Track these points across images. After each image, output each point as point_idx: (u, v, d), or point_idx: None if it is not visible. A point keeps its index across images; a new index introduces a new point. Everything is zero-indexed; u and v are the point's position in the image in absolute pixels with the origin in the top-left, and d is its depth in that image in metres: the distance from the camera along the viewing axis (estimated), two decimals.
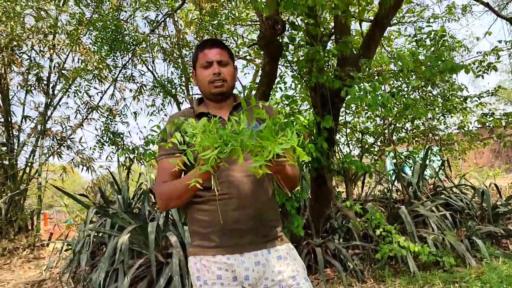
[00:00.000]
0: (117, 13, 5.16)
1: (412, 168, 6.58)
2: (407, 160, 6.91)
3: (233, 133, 1.26)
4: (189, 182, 1.34)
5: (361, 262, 4.44)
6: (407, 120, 6.50)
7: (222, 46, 1.75)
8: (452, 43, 6.18)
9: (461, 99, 6.37)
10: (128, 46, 5.19)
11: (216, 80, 1.68)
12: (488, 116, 6.57)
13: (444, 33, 5.60)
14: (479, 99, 6.53)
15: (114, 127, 6.20)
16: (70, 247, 5.67)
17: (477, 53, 5.59)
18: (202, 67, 1.70)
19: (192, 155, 1.30)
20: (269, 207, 1.65)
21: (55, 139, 8.21)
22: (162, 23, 5.96)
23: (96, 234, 5.21)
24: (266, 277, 1.58)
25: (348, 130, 6.36)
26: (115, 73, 5.82)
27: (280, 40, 3.99)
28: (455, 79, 6.80)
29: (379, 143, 6.45)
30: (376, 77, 4.47)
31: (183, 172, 1.63)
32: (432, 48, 5.46)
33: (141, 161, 6.81)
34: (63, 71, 7.99)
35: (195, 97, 5.05)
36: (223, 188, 1.54)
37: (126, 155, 6.13)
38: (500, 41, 5.59)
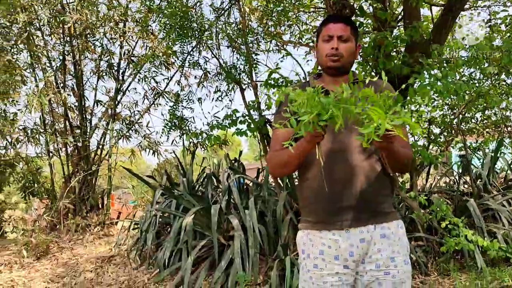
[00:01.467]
0: (185, 0, 5.26)
1: (481, 161, 6.29)
2: (476, 152, 6.61)
3: (336, 101, 1.24)
4: (285, 144, 1.38)
5: (425, 255, 4.32)
6: (477, 110, 6.20)
7: (348, 22, 1.75)
8: None
9: None
10: (195, 33, 5.29)
11: (334, 55, 1.69)
12: None
13: None
14: None
15: (181, 112, 6.38)
16: (137, 226, 5.95)
17: None
18: (323, 40, 1.73)
19: (295, 123, 1.32)
20: (376, 184, 1.62)
21: (124, 123, 8.58)
22: (227, 10, 6.03)
23: (161, 214, 5.42)
24: (367, 253, 1.59)
25: (414, 120, 6.16)
26: (181, 59, 5.96)
27: None
28: None
29: (445, 134, 6.20)
30: (448, 64, 4.29)
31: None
32: (508, 34, 5.16)
33: (204, 146, 6.99)
34: (132, 58, 8.32)
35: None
36: (326, 167, 1.55)
37: (191, 140, 6.31)
38: None
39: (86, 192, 7.89)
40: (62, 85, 8.01)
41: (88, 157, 8.15)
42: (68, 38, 7.86)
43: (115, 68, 8.36)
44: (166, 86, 8.36)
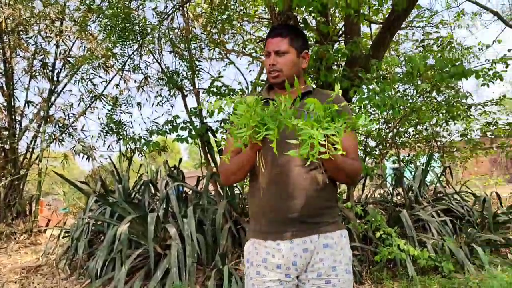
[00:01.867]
0: (127, 2, 5.11)
1: (413, 173, 6.58)
2: (409, 165, 6.91)
3: (272, 113, 1.25)
4: (224, 157, 1.50)
5: (360, 264, 4.43)
6: (410, 125, 6.50)
7: (285, 34, 1.74)
8: (460, 50, 6.16)
9: (466, 106, 6.37)
10: (137, 36, 5.15)
11: (271, 71, 1.72)
12: (491, 125, 6.58)
13: (451, 40, 5.59)
14: (484, 107, 6.53)
15: (118, 116, 6.17)
16: (68, 234, 5.66)
17: (485, 60, 5.58)
18: (265, 56, 1.77)
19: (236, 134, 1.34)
20: (321, 195, 1.63)
21: (57, 126, 8.18)
22: (171, 15, 5.94)
23: (95, 222, 5.20)
24: (310, 262, 1.61)
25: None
26: (121, 62, 5.79)
27: None
28: (460, 86, 6.80)
29: (381, 147, 6.44)
30: (384, 79, 4.46)
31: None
32: (439, 54, 5.46)
33: (142, 152, 6.79)
34: (68, 58, 7.97)
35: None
36: (275, 177, 1.61)
37: (128, 145, 6.11)
38: (509, 50, 5.58)
39: (13, 197, 7.43)
40: None
41: (16, 161, 7.69)
42: None
43: (50, 68, 7.98)
44: (104, 89, 8.06)
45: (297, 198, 1.60)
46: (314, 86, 1.93)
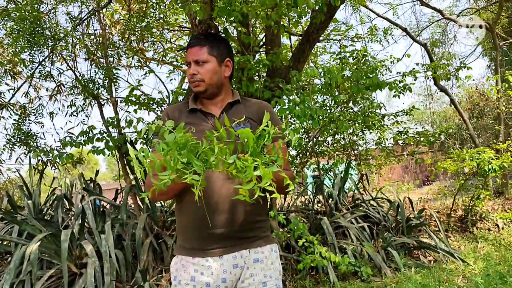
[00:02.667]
0: (37, 4, 4.77)
1: (332, 181, 6.79)
2: (328, 173, 7.13)
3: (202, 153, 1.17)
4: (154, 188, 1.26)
5: (284, 273, 4.46)
6: (329, 134, 6.71)
7: (204, 43, 1.68)
8: (373, 63, 6.49)
9: (379, 116, 6.71)
10: (48, 41, 4.83)
11: (193, 81, 1.68)
12: (402, 134, 6.99)
13: (365, 53, 5.86)
14: (395, 117, 6.92)
15: (28, 127, 5.74)
16: None
17: (397, 73, 5.93)
18: (187, 66, 1.72)
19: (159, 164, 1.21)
20: (251, 210, 1.59)
21: None
22: (86, 20, 5.66)
23: (0, 242, 4.77)
24: (240, 278, 1.58)
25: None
26: (31, 68, 5.39)
27: None
28: (374, 97, 7.17)
29: (301, 155, 6.59)
30: (304, 90, 4.56)
31: None
32: (355, 67, 5.70)
33: (55, 164, 6.38)
34: None
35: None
36: (204, 192, 1.52)
37: (39, 157, 5.70)
38: (417, 64, 5.97)
39: None
40: None
41: None
42: None
43: None
44: (12, 97, 7.48)
45: (226, 213, 1.56)
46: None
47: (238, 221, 1.57)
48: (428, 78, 9.52)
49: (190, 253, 1.59)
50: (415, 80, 5.48)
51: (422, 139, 6.77)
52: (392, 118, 6.92)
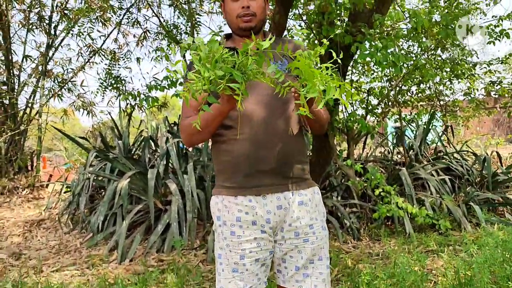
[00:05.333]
0: None
1: (414, 132, 6.55)
2: (410, 124, 6.87)
3: (242, 63, 1.12)
4: (193, 123, 1.26)
5: (358, 221, 4.48)
6: (413, 83, 6.40)
7: None
8: (467, 6, 5.98)
9: (470, 65, 6.25)
10: None
11: (245, 15, 1.55)
12: (495, 85, 6.48)
13: None
14: (489, 66, 6.42)
15: (117, 71, 6.08)
16: (69, 189, 5.71)
17: (492, 17, 5.41)
18: (232, 0, 1.58)
19: (194, 88, 1.18)
20: (295, 148, 1.56)
21: (56, 81, 8.09)
22: None
23: (95, 177, 5.23)
24: (285, 220, 1.55)
25: (353, 90, 6.26)
26: (119, 15, 5.64)
27: None
28: (465, 44, 6.65)
29: (383, 105, 6.38)
30: (388, 36, 4.34)
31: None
32: (446, 10, 5.30)
33: (142, 108, 6.75)
34: (65, 11, 7.77)
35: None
36: (245, 127, 1.49)
37: (128, 101, 6.06)
38: None
39: (14, 152, 7.44)
40: None
41: (15, 116, 7.65)
42: None
43: (47, 22, 7.80)
44: (103, 43, 7.96)
45: (272, 150, 1.51)
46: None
47: (283, 159, 1.52)
48: None
49: (231, 193, 1.54)
50: None
51: None
52: (485, 67, 6.43)
